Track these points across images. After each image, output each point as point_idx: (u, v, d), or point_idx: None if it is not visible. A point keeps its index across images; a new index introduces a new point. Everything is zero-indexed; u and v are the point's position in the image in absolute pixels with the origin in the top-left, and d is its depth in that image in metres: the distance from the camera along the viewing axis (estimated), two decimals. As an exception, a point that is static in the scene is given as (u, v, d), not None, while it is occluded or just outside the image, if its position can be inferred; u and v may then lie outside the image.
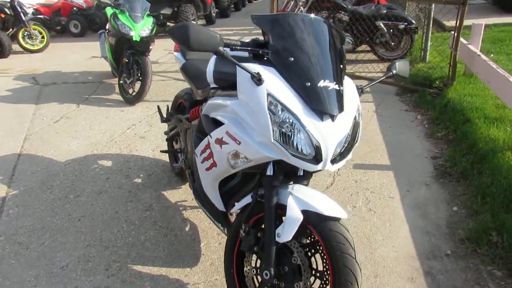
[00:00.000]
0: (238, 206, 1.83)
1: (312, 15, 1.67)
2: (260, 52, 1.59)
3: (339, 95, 1.54)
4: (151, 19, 4.85)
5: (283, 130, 1.48)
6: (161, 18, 6.75)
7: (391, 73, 1.79)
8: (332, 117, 1.51)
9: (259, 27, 1.62)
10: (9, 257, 2.31)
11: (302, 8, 6.25)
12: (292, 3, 6.65)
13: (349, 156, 1.66)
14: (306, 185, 1.76)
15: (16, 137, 4.00)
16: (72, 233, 2.50)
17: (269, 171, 1.64)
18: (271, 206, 1.64)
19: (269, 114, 1.48)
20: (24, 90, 5.60)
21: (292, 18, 1.62)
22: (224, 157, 1.71)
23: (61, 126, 4.26)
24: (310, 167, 1.51)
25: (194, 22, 9.24)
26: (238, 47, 1.55)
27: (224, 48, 1.44)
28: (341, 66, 1.63)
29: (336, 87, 1.54)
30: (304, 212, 1.58)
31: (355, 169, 3.17)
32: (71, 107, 4.82)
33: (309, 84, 1.51)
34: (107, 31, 5.03)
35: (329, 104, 1.49)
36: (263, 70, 1.52)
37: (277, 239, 1.60)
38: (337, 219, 1.59)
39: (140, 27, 4.64)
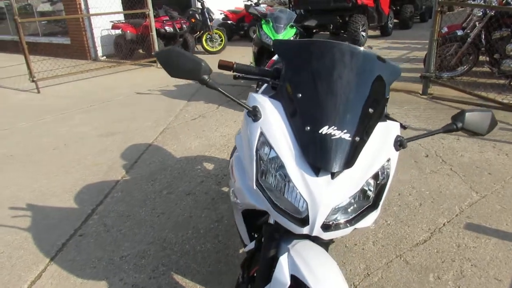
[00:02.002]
0: (248, 247, 1.66)
1: (349, 44, 1.37)
2: (270, 83, 1.39)
3: (351, 147, 1.23)
4: (293, 30, 4.87)
5: (270, 178, 1.26)
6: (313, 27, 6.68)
7: (455, 126, 1.34)
8: (333, 174, 1.22)
9: (277, 54, 1.42)
10: (90, 235, 2.65)
11: (477, 23, 5.31)
12: (469, 18, 5.75)
13: (365, 224, 1.32)
14: (324, 243, 1.48)
15: (157, 129, 4.56)
16: (146, 227, 2.71)
17: (271, 219, 1.44)
18: (266, 258, 1.43)
19: (257, 156, 1.29)
20: (187, 86, 6.35)
21: (316, 45, 1.37)
22: (231, 190, 1.58)
23: (195, 124, 4.67)
24: (295, 228, 1.25)
25: (363, 34, 8.96)
26: (242, 75, 1.39)
27: (210, 78, 1.31)
28: (371, 111, 1.30)
29: (347, 136, 1.23)
30: (293, 278, 1.33)
31: (466, 229, 2.53)
32: (212, 107, 5.24)
33: (308, 128, 1.25)
34: (253, 40, 5.28)
35: (326, 157, 1.20)
36: (266, 104, 1.33)
37: None
38: None
39: (281, 37, 4.70)
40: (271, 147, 1.26)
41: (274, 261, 1.41)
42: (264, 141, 1.28)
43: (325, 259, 1.37)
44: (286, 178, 1.23)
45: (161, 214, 2.85)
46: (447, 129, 1.34)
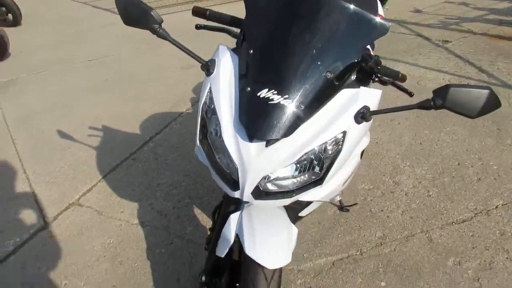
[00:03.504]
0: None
1: None
2: (232, 35, 1.30)
3: (291, 114, 1.12)
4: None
5: (211, 137, 1.24)
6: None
7: (432, 103, 1.10)
8: (269, 141, 1.14)
9: None
10: (140, 161, 2.93)
11: None
12: None
13: (309, 198, 1.24)
14: (292, 207, 1.42)
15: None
16: (189, 160, 2.89)
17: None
18: (223, 213, 1.45)
19: (203, 112, 1.26)
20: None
21: None
22: None
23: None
24: (228, 191, 1.23)
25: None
26: (204, 25, 1.32)
27: (162, 28, 1.27)
28: (330, 75, 1.15)
29: (287, 102, 1.12)
30: (237, 236, 1.34)
31: (521, 216, 2.16)
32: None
33: (248, 89, 1.16)
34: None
35: (259, 123, 1.12)
36: (223, 59, 1.27)
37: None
38: (259, 266, 1.25)
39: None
40: (214, 104, 1.22)
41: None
42: (211, 97, 1.24)
43: (275, 225, 1.33)
44: (221, 139, 1.19)
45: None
46: (422, 105, 1.11)
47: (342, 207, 2.28)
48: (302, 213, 1.58)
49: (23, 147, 3.18)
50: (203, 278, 1.49)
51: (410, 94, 1.47)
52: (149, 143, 3.14)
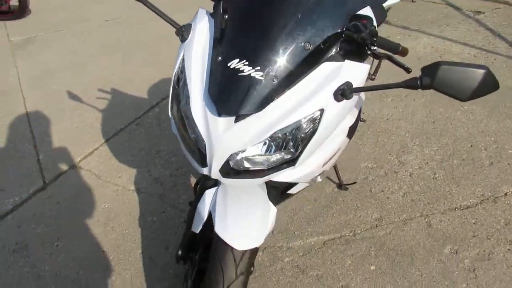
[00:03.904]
0: None
1: None
2: None
3: (262, 88, 1.03)
4: None
5: (183, 109, 1.17)
6: None
7: (419, 82, 0.98)
8: (239, 116, 1.06)
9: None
10: (144, 126, 2.91)
11: None
12: None
13: (282, 179, 1.17)
14: (274, 186, 1.36)
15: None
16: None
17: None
18: (202, 187, 1.40)
19: (174, 81, 1.19)
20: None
21: None
22: None
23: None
24: (197, 167, 1.17)
25: None
26: None
27: None
28: (308, 46, 1.05)
29: (258, 74, 1.03)
30: (210, 213, 1.29)
31: (532, 207, 2.03)
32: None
33: (220, 59, 1.07)
34: None
35: (226, 96, 1.04)
36: (199, 24, 1.18)
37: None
38: (228, 246, 1.20)
39: None
40: (185, 74, 1.14)
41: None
42: (183, 66, 1.16)
43: (251, 204, 1.28)
44: (190, 111, 1.12)
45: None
46: (408, 84, 1.00)
47: (341, 185, 2.20)
48: (292, 191, 1.52)
49: (33, 107, 3.21)
50: (180, 252, 1.46)
51: (408, 70, 1.33)
52: (155, 108, 3.11)
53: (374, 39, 1.13)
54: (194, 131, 1.12)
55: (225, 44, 1.09)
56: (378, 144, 2.52)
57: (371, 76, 1.98)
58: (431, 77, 0.97)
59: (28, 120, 3.05)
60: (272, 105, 1.05)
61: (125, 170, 2.49)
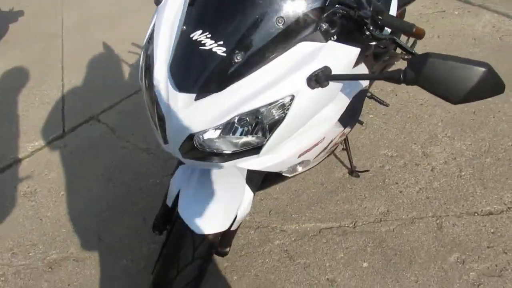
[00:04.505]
0: None
1: None
2: None
3: (225, 65, 0.92)
4: None
5: (148, 77, 1.08)
6: None
7: (401, 76, 0.82)
8: (199, 94, 0.96)
9: None
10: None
11: None
12: None
13: (247, 166, 1.07)
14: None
15: None
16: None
17: None
18: (179, 162, 1.35)
19: (145, 47, 1.10)
20: None
21: None
22: None
23: None
24: (161, 142, 1.10)
25: None
26: None
27: None
28: (280, 24, 0.91)
29: (220, 50, 0.92)
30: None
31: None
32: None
33: (184, 28, 0.97)
34: None
35: (185, 71, 0.94)
36: None
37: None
38: (188, 228, 1.14)
39: None
40: (154, 39, 1.05)
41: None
42: (156, 30, 1.07)
43: (222, 187, 1.21)
44: (153, 81, 1.03)
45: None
46: (389, 77, 0.84)
47: (352, 171, 2.05)
48: (287, 174, 1.42)
49: (69, 55, 3.27)
50: (155, 222, 1.43)
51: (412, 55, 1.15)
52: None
53: (379, 17, 0.96)
54: (158, 103, 1.04)
55: (192, 12, 0.98)
56: (404, 131, 2.30)
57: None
58: (416, 71, 0.80)
59: (62, 67, 3.12)
60: (236, 86, 0.94)
61: (140, 128, 2.48)
